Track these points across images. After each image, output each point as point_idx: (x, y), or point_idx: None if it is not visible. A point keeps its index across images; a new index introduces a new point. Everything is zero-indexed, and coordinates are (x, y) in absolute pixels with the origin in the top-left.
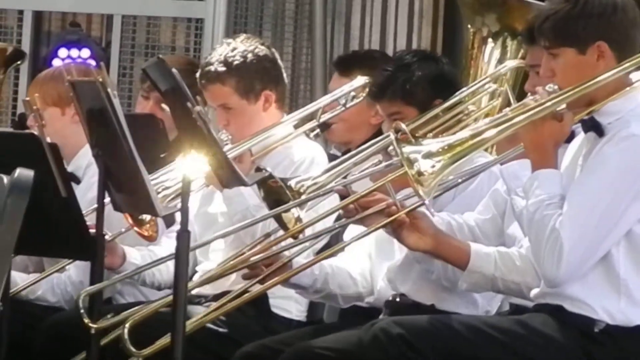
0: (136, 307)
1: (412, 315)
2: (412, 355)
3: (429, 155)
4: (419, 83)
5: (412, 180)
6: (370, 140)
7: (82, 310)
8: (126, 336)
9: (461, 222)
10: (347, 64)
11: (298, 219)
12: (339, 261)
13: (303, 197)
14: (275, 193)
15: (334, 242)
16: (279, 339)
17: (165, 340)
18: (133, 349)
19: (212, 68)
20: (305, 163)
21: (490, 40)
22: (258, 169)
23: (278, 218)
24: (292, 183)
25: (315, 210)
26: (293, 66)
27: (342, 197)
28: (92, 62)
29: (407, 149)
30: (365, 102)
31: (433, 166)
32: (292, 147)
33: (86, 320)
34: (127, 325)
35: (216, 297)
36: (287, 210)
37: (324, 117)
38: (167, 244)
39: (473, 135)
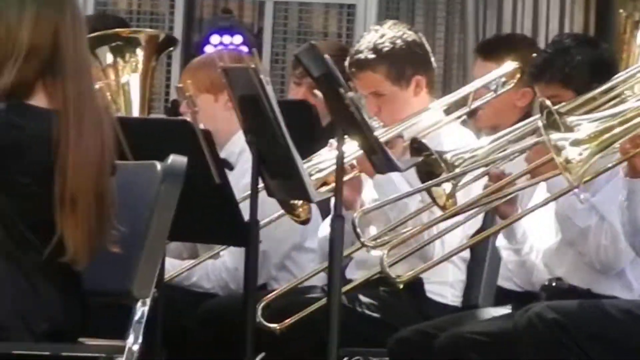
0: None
1: (569, 299)
2: (566, 340)
3: (576, 143)
4: (578, 67)
5: (560, 168)
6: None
7: None
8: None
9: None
10: (491, 49)
11: (450, 195)
12: None
13: (457, 170)
14: (429, 165)
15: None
16: (433, 324)
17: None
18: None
19: (361, 56)
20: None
21: None
22: (414, 140)
23: (430, 193)
24: (447, 156)
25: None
26: (445, 51)
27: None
28: (245, 49)
29: (554, 135)
30: (513, 87)
31: (580, 154)
32: (441, 134)
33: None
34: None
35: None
36: (439, 185)
37: (475, 104)
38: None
39: (621, 122)
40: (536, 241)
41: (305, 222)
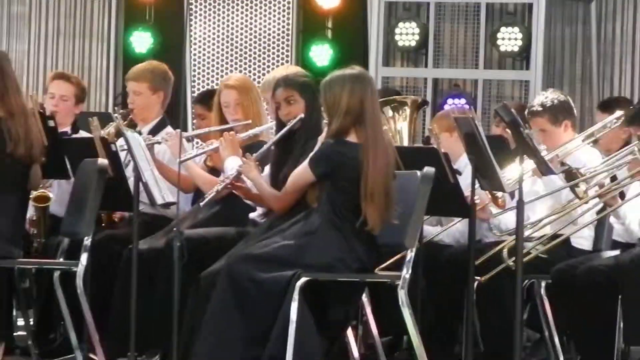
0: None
1: None
2: None
3: None
4: None
5: None
6: (622, 147)
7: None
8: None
9: None
10: (606, 106)
11: (586, 191)
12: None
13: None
14: (573, 175)
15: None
16: (576, 260)
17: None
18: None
19: (534, 108)
20: (588, 162)
21: None
22: (562, 164)
23: (573, 190)
24: (582, 170)
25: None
26: (581, 106)
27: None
28: (467, 107)
29: None
30: (619, 126)
31: None
32: (580, 153)
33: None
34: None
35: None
36: (578, 186)
37: (598, 135)
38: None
39: None
40: (631, 214)
41: (502, 207)
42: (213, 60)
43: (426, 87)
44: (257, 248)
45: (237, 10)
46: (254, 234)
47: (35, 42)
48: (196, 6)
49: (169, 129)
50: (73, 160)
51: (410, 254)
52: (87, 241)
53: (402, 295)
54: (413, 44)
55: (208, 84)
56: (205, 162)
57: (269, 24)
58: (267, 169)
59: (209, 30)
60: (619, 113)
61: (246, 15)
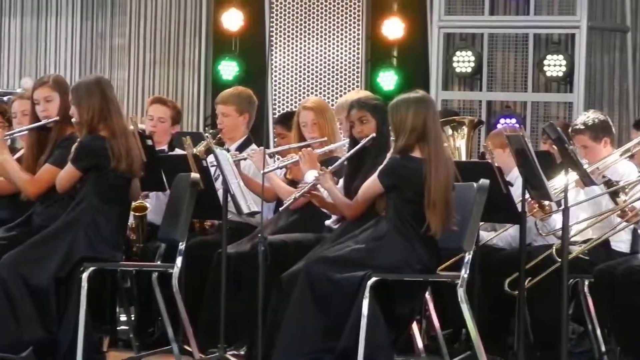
0: None
1: None
2: None
3: None
4: None
5: None
6: None
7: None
8: None
9: None
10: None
11: (624, 201)
12: None
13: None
14: (612, 186)
15: None
16: (616, 261)
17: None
18: None
19: (577, 127)
20: (625, 174)
21: None
22: (603, 176)
23: (613, 199)
24: (620, 182)
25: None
26: (619, 124)
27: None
28: (517, 126)
29: None
30: None
31: None
32: (618, 166)
33: None
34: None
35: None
36: (618, 195)
37: (634, 150)
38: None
39: None
40: None
41: (547, 213)
42: (291, 85)
43: (481, 109)
44: (332, 251)
45: (313, 41)
46: (329, 239)
47: (134, 71)
48: (276, 38)
49: (253, 146)
50: (169, 174)
51: (468, 256)
52: (182, 246)
53: (461, 292)
54: (469, 70)
55: (287, 107)
56: (285, 176)
57: (341, 53)
58: (341, 181)
59: (288, 59)
60: None
61: (321, 46)
